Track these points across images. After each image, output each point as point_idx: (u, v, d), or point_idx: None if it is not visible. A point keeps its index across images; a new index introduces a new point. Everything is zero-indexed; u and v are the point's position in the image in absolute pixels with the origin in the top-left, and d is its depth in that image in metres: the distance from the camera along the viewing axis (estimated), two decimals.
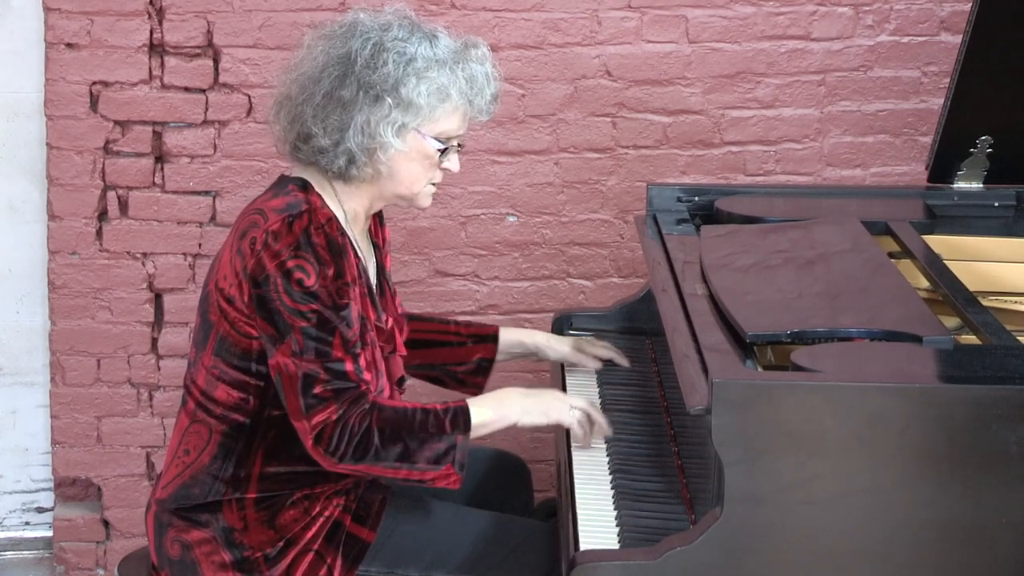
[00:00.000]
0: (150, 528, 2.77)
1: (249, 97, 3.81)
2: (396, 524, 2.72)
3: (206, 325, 2.69)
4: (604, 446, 2.78)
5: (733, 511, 2.27)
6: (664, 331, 2.65)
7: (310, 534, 2.66)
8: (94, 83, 3.75)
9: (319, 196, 2.66)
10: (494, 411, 2.69)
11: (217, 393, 2.67)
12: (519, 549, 2.73)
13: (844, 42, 3.99)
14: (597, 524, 2.52)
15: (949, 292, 2.69)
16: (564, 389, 3.05)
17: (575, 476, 2.69)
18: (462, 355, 3.04)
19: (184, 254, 3.86)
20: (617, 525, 2.51)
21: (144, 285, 3.86)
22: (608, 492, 2.62)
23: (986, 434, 2.24)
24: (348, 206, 2.71)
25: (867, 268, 2.78)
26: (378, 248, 2.85)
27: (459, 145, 2.72)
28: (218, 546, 2.66)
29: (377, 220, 2.86)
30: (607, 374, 3.09)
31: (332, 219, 2.62)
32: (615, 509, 2.56)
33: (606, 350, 3.10)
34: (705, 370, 2.36)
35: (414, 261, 3.95)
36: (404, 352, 2.86)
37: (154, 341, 3.90)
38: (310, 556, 2.65)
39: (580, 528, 2.50)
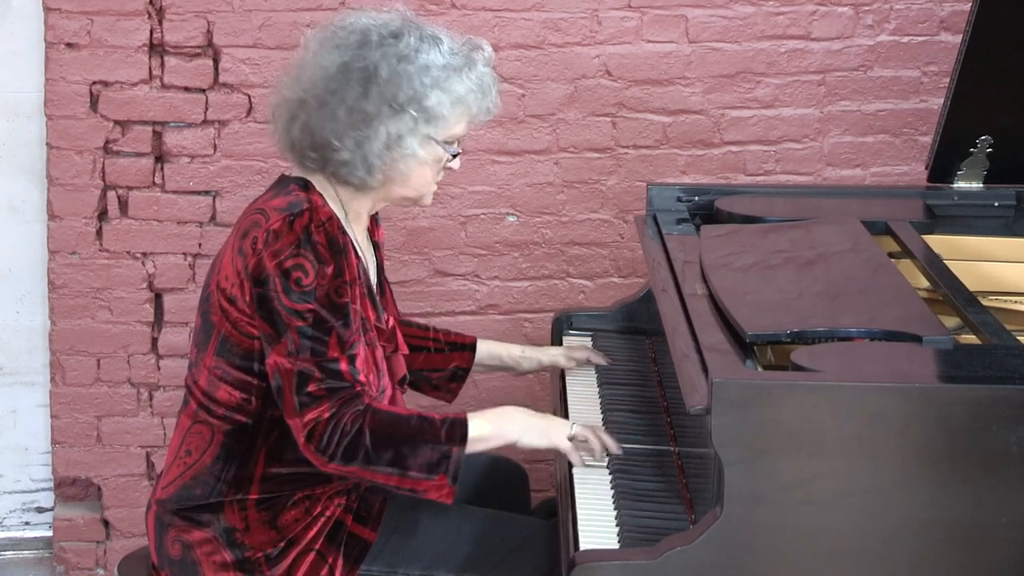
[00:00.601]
0: (150, 528, 2.77)
1: (249, 97, 3.81)
2: (397, 524, 2.72)
3: (207, 325, 2.69)
4: (603, 462, 2.75)
5: (733, 511, 2.27)
6: (664, 331, 2.65)
7: (311, 534, 2.66)
8: (94, 83, 3.75)
9: (320, 195, 2.66)
10: (494, 427, 2.66)
11: (219, 394, 2.67)
12: (519, 548, 2.73)
13: (844, 42, 4.00)
14: (597, 524, 2.52)
15: (949, 292, 2.69)
16: (564, 389, 3.05)
17: (575, 476, 2.69)
18: (439, 361, 3.05)
19: (184, 254, 3.86)
20: (617, 525, 2.51)
21: (144, 285, 3.86)
22: (608, 492, 2.62)
23: (986, 434, 2.24)
24: (351, 207, 2.72)
25: (867, 268, 2.78)
26: (377, 247, 2.86)
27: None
28: (219, 546, 2.66)
29: (373, 220, 2.87)
30: (607, 374, 3.09)
31: (333, 217, 2.62)
32: (615, 509, 2.56)
33: (584, 352, 3.12)
34: (705, 370, 2.36)
35: (414, 261, 3.95)
36: (406, 351, 2.86)
37: (154, 341, 3.90)
38: (311, 556, 2.65)
39: (580, 528, 2.50)
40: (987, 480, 2.26)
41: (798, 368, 2.30)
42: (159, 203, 3.83)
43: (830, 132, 4.04)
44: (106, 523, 3.98)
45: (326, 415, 2.55)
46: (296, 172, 2.73)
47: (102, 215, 3.83)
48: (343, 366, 2.57)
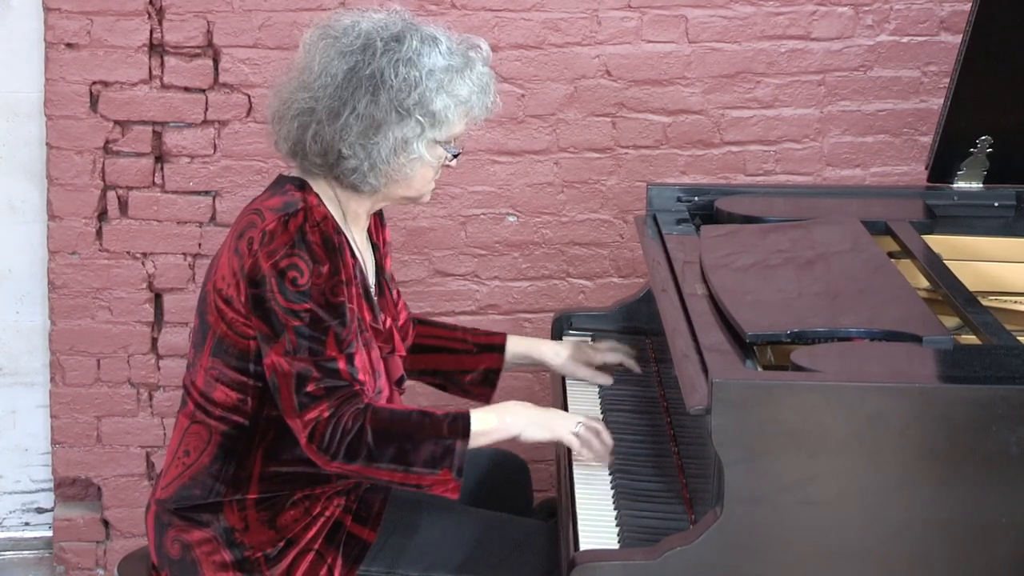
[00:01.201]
0: (150, 528, 2.77)
1: (249, 97, 3.81)
2: (397, 524, 2.72)
3: (204, 326, 2.69)
4: (604, 461, 2.75)
5: (733, 511, 2.27)
6: (664, 331, 2.65)
7: (311, 534, 2.66)
8: (94, 83, 3.75)
9: (316, 195, 2.66)
10: (497, 421, 2.66)
11: (216, 394, 2.67)
12: (519, 549, 2.73)
13: (844, 42, 4.00)
14: (597, 524, 2.52)
15: (949, 292, 2.69)
16: (564, 390, 3.05)
17: (575, 476, 2.69)
18: (468, 363, 3.03)
19: (184, 254, 3.86)
20: (617, 525, 2.51)
21: (144, 285, 3.86)
22: (608, 492, 2.62)
23: (986, 434, 2.24)
24: (349, 207, 2.72)
25: (867, 268, 2.78)
26: (377, 249, 2.85)
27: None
28: (218, 546, 2.66)
29: (377, 220, 2.86)
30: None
31: (328, 217, 2.63)
32: (615, 509, 2.56)
33: (614, 354, 3.07)
34: (705, 370, 2.36)
35: (414, 261, 3.95)
36: (403, 352, 2.85)
37: (154, 341, 3.90)
38: (311, 556, 2.65)
39: (580, 528, 2.50)
40: (987, 480, 2.26)
41: (798, 368, 2.30)
42: (159, 203, 3.83)
43: (830, 132, 4.04)
44: (106, 523, 3.98)
45: (326, 414, 2.55)
46: (294, 172, 2.73)
47: (102, 215, 3.83)
48: (341, 365, 2.57)
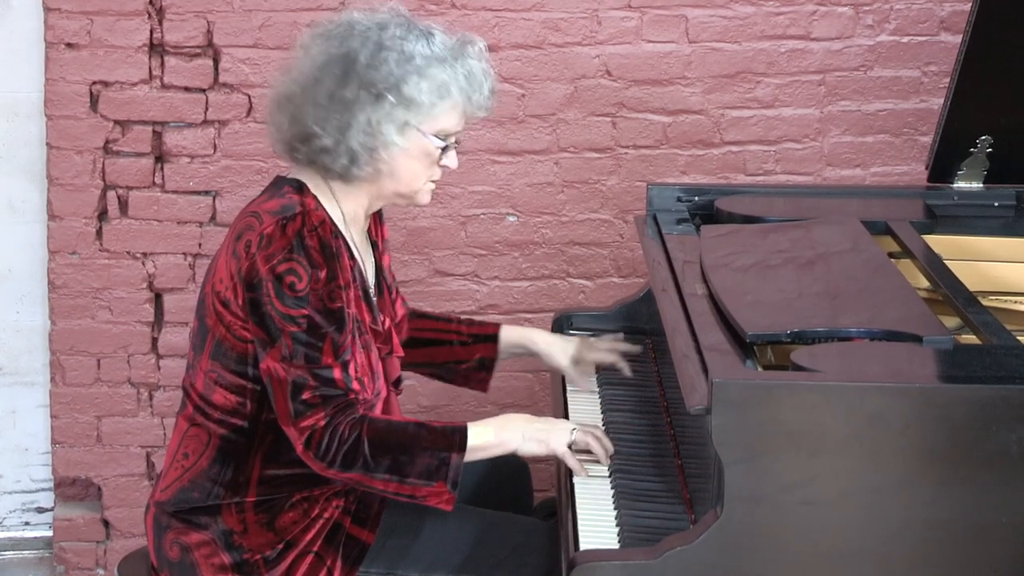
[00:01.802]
0: (149, 529, 2.76)
1: (249, 97, 3.81)
2: (396, 525, 2.72)
3: (203, 328, 2.69)
4: (604, 468, 2.75)
5: (733, 511, 2.27)
6: (664, 331, 2.65)
7: (310, 536, 2.66)
8: (94, 83, 3.75)
9: (314, 198, 2.65)
10: (495, 435, 2.65)
11: (215, 397, 2.67)
12: (519, 549, 2.72)
13: (844, 42, 3.99)
14: (597, 524, 2.52)
15: (949, 292, 2.69)
16: (564, 391, 3.05)
17: (575, 476, 2.69)
18: (463, 354, 3.03)
19: (184, 254, 3.86)
20: (617, 525, 2.51)
21: (144, 285, 3.86)
22: (608, 492, 2.62)
23: (986, 434, 2.24)
24: (347, 207, 2.71)
25: (867, 268, 2.78)
26: (376, 247, 2.85)
27: (456, 142, 2.72)
28: (217, 548, 2.66)
29: (376, 218, 2.86)
30: (607, 374, 3.08)
31: (326, 221, 2.62)
32: (615, 509, 2.56)
33: (608, 354, 3.07)
34: (705, 370, 2.36)
35: (414, 261, 3.95)
36: (401, 353, 2.85)
37: (154, 341, 3.90)
38: (310, 558, 2.65)
39: (580, 528, 2.50)
40: (987, 480, 2.26)
41: (798, 368, 2.30)
42: (159, 203, 3.83)
43: (830, 132, 4.03)
44: (106, 523, 3.98)
45: (322, 423, 2.55)
46: (292, 173, 2.72)
47: (102, 215, 3.83)
48: (337, 374, 2.57)
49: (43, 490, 4.05)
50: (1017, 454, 2.24)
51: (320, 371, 2.55)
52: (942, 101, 3.24)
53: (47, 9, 3.71)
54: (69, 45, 3.73)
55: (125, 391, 3.91)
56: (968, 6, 3.15)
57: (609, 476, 2.67)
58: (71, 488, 3.97)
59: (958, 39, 3.41)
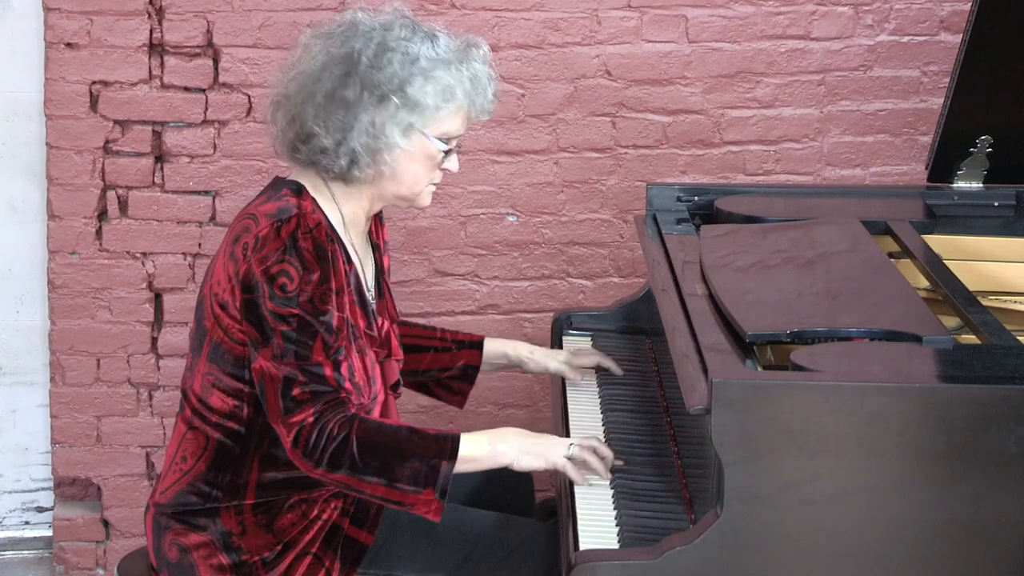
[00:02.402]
0: (149, 530, 2.76)
1: (249, 97, 3.81)
2: (394, 526, 2.72)
3: (201, 331, 2.68)
4: (606, 479, 2.74)
5: (733, 511, 2.27)
6: (664, 331, 2.65)
7: (308, 537, 2.66)
8: (94, 83, 3.75)
9: (312, 200, 2.64)
10: (489, 447, 2.61)
11: (212, 400, 2.66)
12: (518, 550, 2.72)
13: (844, 42, 4.00)
14: (597, 524, 2.52)
15: (949, 292, 2.69)
16: (564, 391, 3.05)
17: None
18: (446, 360, 3.03)
19: (184, 254, 3.86)
20: (617, 525, 2.51)
21: (144, 285, 3.86)
22: (608, 492, 2.62)
23: (986, 434, 2.24)
24: (347, 208, 2.71)
25: (867, 268, 2.78)
26: (377, 249, 2.85)
27: (458, 145, 2.72)
28: (216, 550, 2.66)
29: (377, 220, 2.86)
30: (607, 374, 3.08)
31: (322, 224, 2.60)
32: (615, 509, 2.56)
33: (591, 356, 3.07)
34: (705, 370, 2.36)
35: (414, 261, 3.95)
36: (401, 356, 2.84)
37: (154, 341, 3.90)
38: (308, 559, 2.65)
39: (580, 528, 2.50)
40: (987, 480, 2.26)
41: (798, 368, 2.30)
42: (159, 203, 3.83)
43: (830, 132, 4.04)
44: (106, 523, 3.98)
45: (311, 419, 2.54)
46: (292, 174, 2.72)
47: (102, 215, 3.83)
48: (327, 371, 2.56)
49: (43, 490, 4.05)
50: (1016, 454, 2.24)
51: (310, 368, 2.55)
52: (942, 101, 3.24)
53: (47, 9, 3.71)
54: (69, 45, 3.73)
55: (125, 391, 3.92)
56: (968, 6, 3.15)
57: (610, 476, 2.67)
58: (71, 488, 3.97)
59: (958, 39, 3.41)
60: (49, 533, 4.03)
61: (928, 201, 3.24)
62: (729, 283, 2.68)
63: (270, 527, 2.66)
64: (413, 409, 3.90)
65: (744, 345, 2.44)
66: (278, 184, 2.70)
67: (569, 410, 2.98)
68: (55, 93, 3.75)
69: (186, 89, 3.79)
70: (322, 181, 2.68)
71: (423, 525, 2.72)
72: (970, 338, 2.55)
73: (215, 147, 3.82)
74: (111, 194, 3.81)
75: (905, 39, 4.02)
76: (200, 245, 3.85)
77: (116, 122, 3.78)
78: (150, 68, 3.76)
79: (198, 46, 3.77)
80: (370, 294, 2.75)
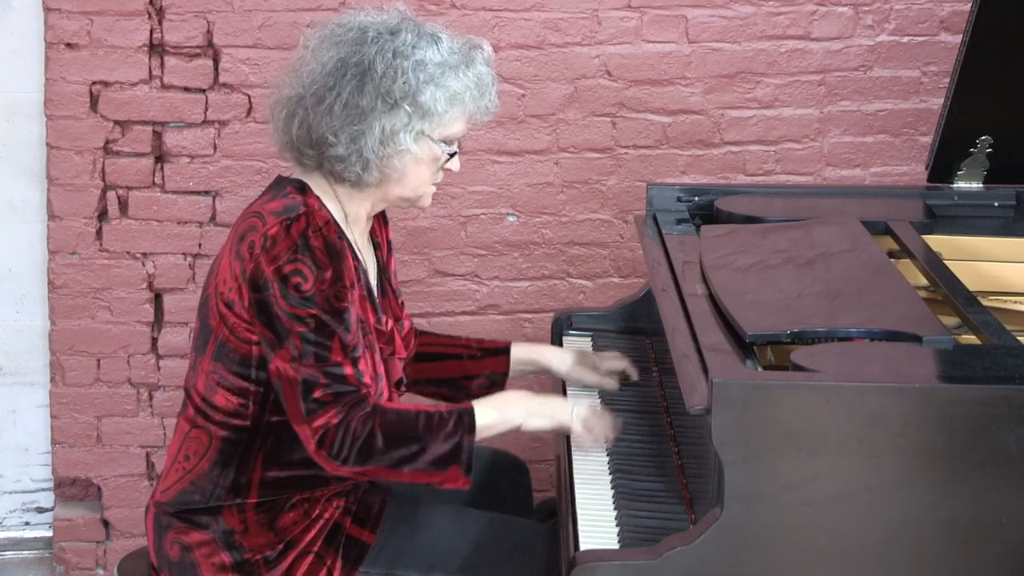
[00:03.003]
0: (150, 529, 2.76)
1: (249, 97, 3.81)
2: (396, 526, 2.72)
3: (205, 330, 2.68)
4: (604, 446, 2.77)
5: (733, 511, 2.27)
6: (664, 331, 2.65)
7: (310, 536, 2.66)
8: (94, 83, 3.75)
9: (317, 198, 2.65)
10: (499, 413, 2.68)
11: (216, 399, 2.67)
12: (519, 551, 2.72)
13: (844, 42, 4.00)
14: (597, 524, 2.52)
15: (949, 292, 2.69)
16: (564, 392, 3.04)
17: (575, 476, 2.69)
18: (472, 368, 3.01)
19: (184, 254, 3.86)
20: (617, 525, 2.51)
21: (144, 285, 3.86)
22: (608, 492, 2.62)
23: (986, 434, 2.24)
24: (349, 208, 2.71)
25: (867, 268, 2.78)
26: (379, 247, 2.85)
27: (459, 145, 2.73)
28: (217, 548, 2.66)
29: (380, 220, 2.86)
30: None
31: (330, 222, 2.62)
32: (615, 509, 2.56)
33: (617, 361, 3.03)
34: (705, 370, 2.36)
35: (414, 261, 3.95)
36: (403, 355, 2.84)
37: (154, 341, 3.90)
38: (310, 558, 2.65)
39: (580, 528, 2.50)
40: (987, 480, 2.26)
41: (798, 368, 2.30)
42: (159, 203, 3.83)
43: (830, 132, 4.04)
44: (106, 523, 3.98)
45: (335, 420, 2.55)
46: (295, 173, 2.72)
47: (102, 215, 3.83)
48: (347, 370, 2.57)
49: (43, 490, 4.05)
50: (1016, 454, 2.24)
51: (331, 369, 2.55)
52: (942, 101, 3.24)
53: (47, 9, 3.71)
54: (69, 45, 3.73)
55: (125, 391, 3.91)
56: (968, 6, 3.15)
57: (609, 474, 2.67)
58: (71, 488, 3.97)
59: (958, 39, 3.41)
60: (49, 533, 4.03)
61: (928, 201, 3.24)
62: (729, 283, 2.68)
63: (272, 526, 2.66)
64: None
65: (744, 345, 2.44)
66: (281, 183, 2.71)
67: None
68: (55, 93, 3.75)
69: (186, 89, 3.79)
70: (326, 181, 2.68)
71: (424, 526, 2.73)
72: (970, 338, 2.55)
73: (215, 147, 3.82)
74: (111, 194, 3.81)
75: (905, 39, 4.02)
76: (200, 245, 3.85)
77: (116, 122, 3.78)
78: (150, 68, 3.76)
79: (198, 46, 3.77)
80: (374, 291, 2.76)
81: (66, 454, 3.94)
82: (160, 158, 3.82)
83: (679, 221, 3.15)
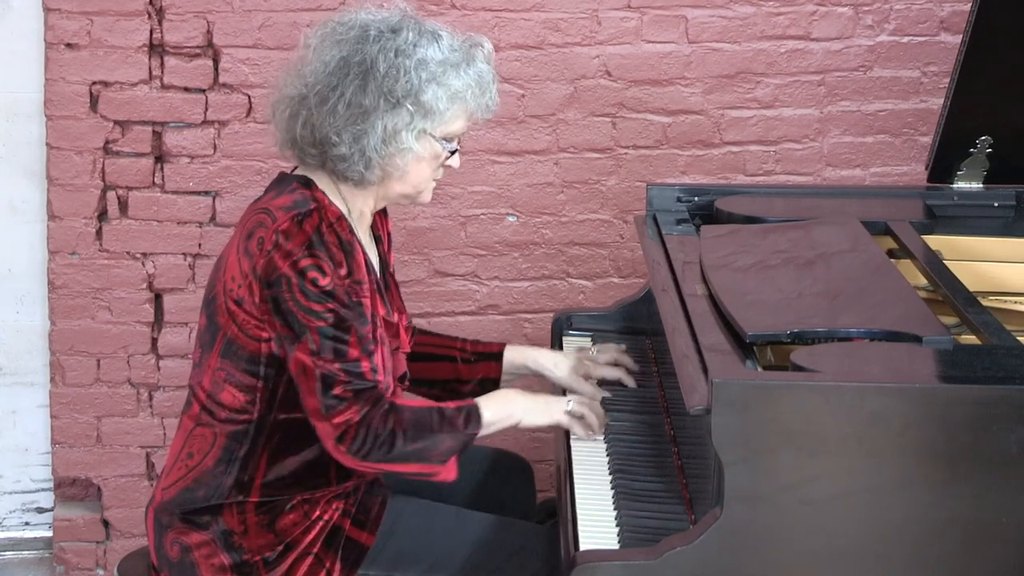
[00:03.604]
0: (150, 529, 2.76)
1: (249, 97, 3.81)
2: (395, 528, 2.72)
3: (213, 327, 2.68)
4: (604, 446, 2.78)
5: (733, 511, 2.27)
6: (664, 331, 2.65)
7: (309, 538, 2.66)
8: (94, 83, 3.75)
9: (324, 193, 2.66)
10: (500, 410, 2.70)
11: (223, 396, 2.66)
12: (518, 552, 2.72)
13: (844, 42, 4.00)
14: (597, 524, 2.52)
15: (949, 292, 2.69)
16: (564, 391, 3.04)
17: (575, 476, 2.69)
18: (465, 372, 3.00)
19: (184, 254, 3.86)
20: (617, 525, 2.51)
21: (144, 285, 3.86)
22: (608, 492, 2.62)
23: (986, 434, 2.24)
24: (354, 204, 2.71)
25: (867, 268, 2.78)
26: (380, 242, 2.85)
27: (459, 142, 2.73)
28: (217, 549, 2.66)
29: (380, 213, 2.86)
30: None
31: (341, 218, 2.63)
32: (615, 509, 2.56)
33: (612, 369, 3.01)
34: (705, 370, 2.36)
35: (414, 261, 3.95)
36: (408, 349, 2.85)
37: (154, 341, 3.90)
38: (309, 560, 2.65)
39: (580, 528, 2.50)
40: (987, 480, 2.26)
41: (798, 368, 2.30)
42: (159, 203, 3.83)
43: (830, 132, 4.04)
44: (106, 523, 3.98)
45: (356, 418, 2.55)
46: (298, 170, 2.72)
47: (102, 215, 3.83)
48: (365, 366, 2.57)
49: (43, 490, 4.05)
50: (1017, 454, 2.24)
51: (349, 365, 2.56)
52: (942, 101, 3.24)
53: (47, 9, 3.71)
54: (69, 45, 3.73)
55: (125, 391, 3.91)
56: (968, 6, 3.15)
57: (609, 474, 2.67)
58: (71, 488, 3.97)
59: (958, 39, 3.41)
60: (49, 534, 4.03)
61: (928, 201, 3.24)
62: (729, 283, 2.68)
63: (272, 527, 2.66)
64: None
65: (744, 345, 2.44)
66: (285, 179, 2.71)
67: None
68: (55, 93, 3.75)
69: (186, 89, 3.79)
70: (330, 179, 2.69)
71: (423, 527, 2.73)
72: (970, 338, 2.55)
73: (215, 147, 3.82)
74: (111, 194, 3.81)
75: (905, 39, 4.02)
76: (200, 245, 3.85)
77: (116, 122, 3.78)
78: (150, 68, 3.76)
79: (198, 46, 3.77)
80: (381, 285, 2.76)
81: (66, 454, 3.94)
82: (160, 158, 3.82)
83: (679, 221, 3.15)
